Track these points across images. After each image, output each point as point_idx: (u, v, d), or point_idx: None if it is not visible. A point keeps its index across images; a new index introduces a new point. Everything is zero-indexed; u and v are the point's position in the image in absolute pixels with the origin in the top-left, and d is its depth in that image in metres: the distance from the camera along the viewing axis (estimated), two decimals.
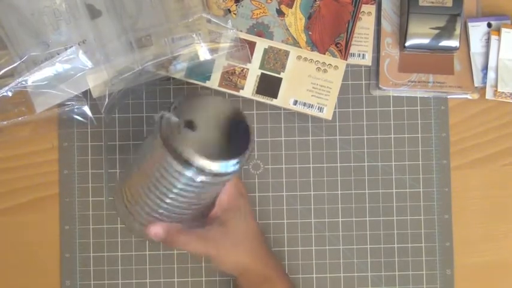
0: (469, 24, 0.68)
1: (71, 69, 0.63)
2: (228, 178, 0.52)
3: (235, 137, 0.52)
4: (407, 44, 0.66)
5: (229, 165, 0.50)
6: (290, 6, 0.66)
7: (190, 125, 0.50)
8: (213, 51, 0.65)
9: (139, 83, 0.64)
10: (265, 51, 0.66)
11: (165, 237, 0.56)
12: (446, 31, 0.66)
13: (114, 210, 0.60)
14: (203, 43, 0.64)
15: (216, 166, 0.49)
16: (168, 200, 0.53)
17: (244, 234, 0.60)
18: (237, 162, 0.51)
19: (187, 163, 0.49)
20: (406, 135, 0.69)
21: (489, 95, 0.68)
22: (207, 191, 0.54)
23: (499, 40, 0.67)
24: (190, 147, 0.48)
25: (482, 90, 0.68)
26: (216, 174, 0.50)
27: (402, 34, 0.67)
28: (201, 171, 0.49)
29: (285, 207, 0.68)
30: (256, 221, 0.63)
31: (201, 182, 0.50)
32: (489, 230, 0.69)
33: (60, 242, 0.68)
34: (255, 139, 0.53)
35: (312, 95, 0.66)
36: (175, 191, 0.52)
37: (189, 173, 0.49)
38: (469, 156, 0.69)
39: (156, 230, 0.56)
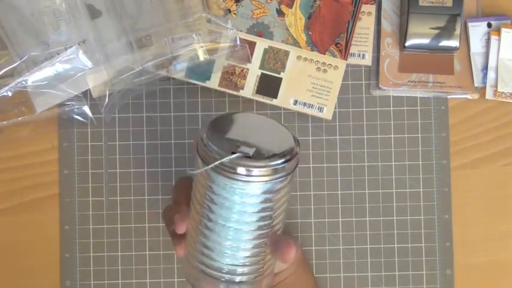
0: (469, 24, 0.68)
1: (71, 69, 0.63)
2: (287, 178, 0.50)
3: (280, 142, 0.51)
4: (407, 44, 0.66)
5: (279, 161, 0.48)
6: (290, 6, 0.66)
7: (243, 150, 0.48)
8: (213, 51, 0.65)
9: (139, 83, 0.64)
10: (265, 51, 0.66)
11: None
12: (446, 31, 0.66)
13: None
14: (203, 43, 0.64)
15: (265, 163, 0.48)
16: (231, 225, 0.50)
17: None
18: (287, 155, 0.49)
19: (236, 173, 0.48)
20: (406, 135, 0.69)
21: (489, 95, 0.68)
22: (272, 202, 0.51)
23: (499, 40, 0.67)
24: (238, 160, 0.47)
25: (482, 90, 0.68)
26: (269, 173, 0.48)
27: (402, 34, 0.67)
28: (252, 174, 0.48)
29: None
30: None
31: (261, 190, 0.49)
32: (489, 230, 0.69)
33: (60, 242, 0.68)
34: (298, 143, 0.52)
35: (312, 95, 0.66)
36: (235, 214, 0.49)
37: (244, 181, 0.48)
38: (469, 156, 0.69)
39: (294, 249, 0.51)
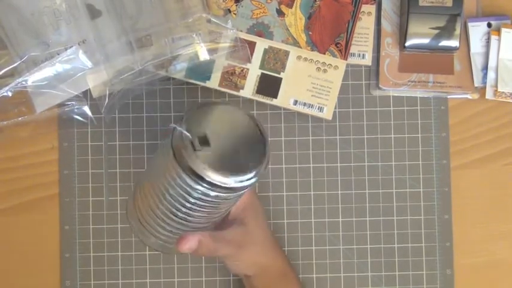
0: (469, 24, 0.68)
1: (71, 69, 0.63)
2: (245, 191, 0.51)
3: (251, 149, 0.50)
4: (407, 44, 0.66)
5: (245, 179, 0.49)
6: (290, 6, 0.66)
7: (203, 140, 0.48)
8: (213, 51, 0.65)
9: (139, 83, 0.64)
10: (265, 51, 0.66)
11: (198, 248, 0.53)
12: (446, 31, 0.66)
13: (127, 223, 0.59)
14: (203, 43, 0.64)
15: (231, 181, 0.48)
16: (181, 215, 0.51)
17: (262, 232, 0.60)
18: (253, 176, 0.49)
19: (201, 179, 0.47)
20: (406, 135, 0.69)
21: (489, 95, 0.68)
22: (223, 204, 0.52)
23: (499, 40, 0.67)
24: (203, 163, 0.47)
25: (482, 90, 0.68)
26: (231, 189, 0.49)
27: (402, 34, 0.67)
28: (215, 186, 0.48)
29: (285, 207, 0.68)
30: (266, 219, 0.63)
31: (216, 196, 0.49)
32: (489, 230, 0.69)
33: (60, 242, 0.68)
34: (269, 150, 0.51)
35: (312, 95, 0.66)
36: (188, 205, 0.50)
37: (203, 188, 0.48)
38: (469, 156, 0.69)
39: (190, 244, 0.52)
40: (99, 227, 0.68)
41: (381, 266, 0.68)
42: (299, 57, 0.66)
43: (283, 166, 0.68)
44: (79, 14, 0.63)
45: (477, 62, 0.68)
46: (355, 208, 0.68)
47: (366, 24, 0.68)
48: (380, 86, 0.68)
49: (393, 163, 0.68)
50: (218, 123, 0.50)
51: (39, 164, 0.68)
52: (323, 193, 0.68)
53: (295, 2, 0.66)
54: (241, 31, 0.66)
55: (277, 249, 0.62)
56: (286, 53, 0.66)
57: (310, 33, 0.66)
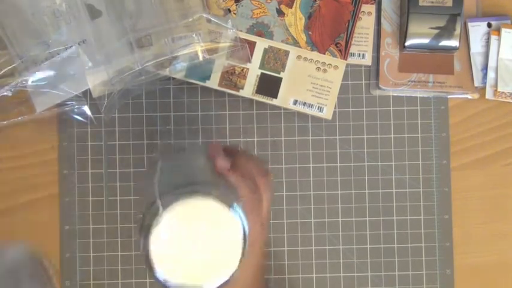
0: (469, 24, 0.68)
1: (71, 69, 0.63)
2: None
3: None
4: (407, 44, 0.66)
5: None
6: (290, 6, 0.66)
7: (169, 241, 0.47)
8: (213, 51, 0.65)
9: (139, 83, 0.64)
10: (265, 51, 0.66)
11: None
12: (446, 31, 0.66)
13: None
14: (203, 43, 0.64)
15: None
16: None
17: (249, 276, 0.54)
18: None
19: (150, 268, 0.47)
20: (406, 135, 0.69)
21: (489, 95, 0.68)
22: None
23: (499, 40, 0.67)
24: (157, 261, 0.47)
25: (482, 90, 0.68)
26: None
27: (402, 34, 0.67)
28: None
29: (285, 207, 0.68)
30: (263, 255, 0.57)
31: None
32: (489, 230, 0.69)
33: (60, 242, 0.68)
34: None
35: (312, 95, 0.66)
36: None
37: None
38: (469, 156, 0.69)
39: None
40: (99, 227, 0.68)
41: (381, 266, 0.68)
42: (299, 57, 0.66)
43: (283, 166, 0.68)
44: (79, 14, 0.63)
45: (477, 62, 0.68)
46: (355, 208, 0.68)
47: (366, 24, 0.68)
48: (380, 86, 0.68)
49: (393, 163, 0.68)
50: (187, 229, 0.46)
51: (39, 164, 0.68)
52: (323, 193, 0.68)
53: (295, 1, 0.66)
54: (241, 31, 0.66)
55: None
56: (286, 53, 0.66)
57: (310, 33, 0.66)
